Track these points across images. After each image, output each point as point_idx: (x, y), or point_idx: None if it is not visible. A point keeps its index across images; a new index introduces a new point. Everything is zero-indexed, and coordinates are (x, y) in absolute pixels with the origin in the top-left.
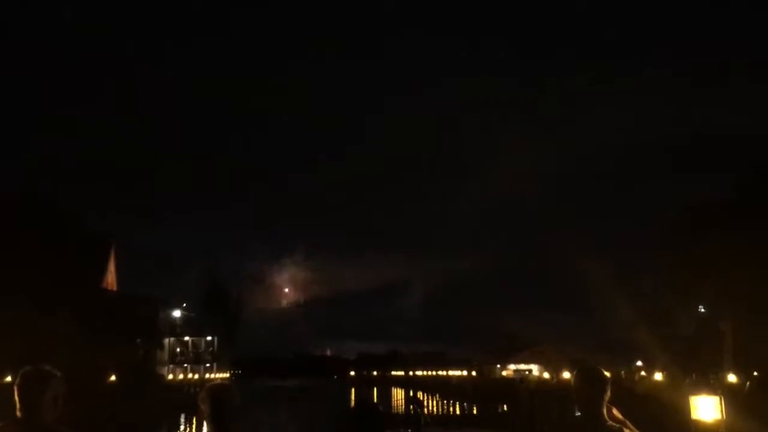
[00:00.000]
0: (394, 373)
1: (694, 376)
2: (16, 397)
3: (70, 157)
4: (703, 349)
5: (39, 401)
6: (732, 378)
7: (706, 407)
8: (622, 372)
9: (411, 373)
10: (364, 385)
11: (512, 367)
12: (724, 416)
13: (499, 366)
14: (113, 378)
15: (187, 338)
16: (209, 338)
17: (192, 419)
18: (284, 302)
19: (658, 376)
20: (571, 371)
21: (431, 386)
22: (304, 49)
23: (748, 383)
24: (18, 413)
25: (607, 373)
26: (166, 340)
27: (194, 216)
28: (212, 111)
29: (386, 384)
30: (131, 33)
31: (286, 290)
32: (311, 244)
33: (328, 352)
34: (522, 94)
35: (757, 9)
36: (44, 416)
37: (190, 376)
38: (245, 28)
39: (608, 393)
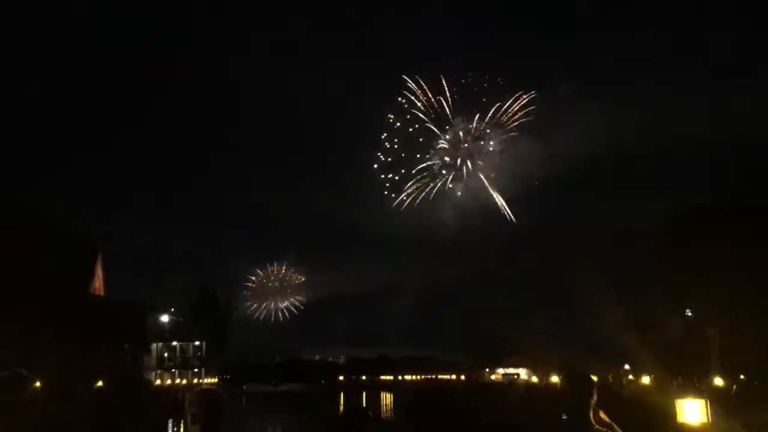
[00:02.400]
0: (383, 377)
1: (680, 379)
2: None
3: (58, 160)
4: (691, 354)
5: (15, 406)
6: (719, 382)
7: (692, 410)
8: (610, 376)
9: (400, 377)
10: (353, 389)
11: (501, 371)
12: (710, 419)
13: (488, 370)
14: (100, 383)
15: (175, 343)
16: (197, 343)
17: (180, 425)
18: (273, 307)
19: (646, 380)
20: (559, 375)
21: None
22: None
23: (734, 387)
24: None
25: (594, 377)
26: (154, 345)
27: (184, 220)
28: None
29: (375, 389)
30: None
31: (276, 295)
32: (302, 249)
33: (317, 357)
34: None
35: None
36: (21, 421)
37: (178, 381)
38: None
39: (595, 396)
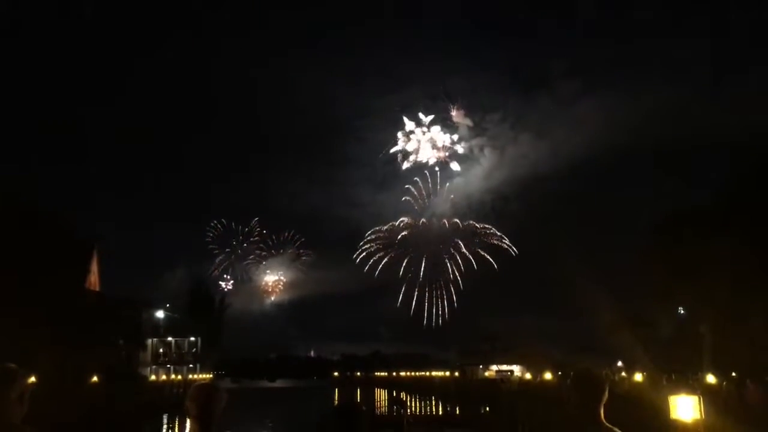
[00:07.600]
0: (377, 374)
1: (673, 376)
2: None
3: (53, 157)
4: (683, 351)
5: (4, 400)
6: (711, 379)
7: (685, 407)
8: (605, 372)
9: (394, 374)
10: (347, 386)
11: (494, 367)
12: (703, 416)
13: (481, 367)
14: (95, 379)
15: (170, 339)
16: (192, 339)
17: (175, 420)
18: (269, 303)
19: (639, 377)
20: (553, 372)
21: (414, 387)
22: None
23: (724, 384)
24: None
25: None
26: (149, 341)
27: (179, 215)
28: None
29: (370, 385)
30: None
31: (271, 291)
32: (296, 245)
33: (312, 354)
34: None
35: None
36: (10, 416)
37: (173, 377)
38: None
39: (606, 395)
